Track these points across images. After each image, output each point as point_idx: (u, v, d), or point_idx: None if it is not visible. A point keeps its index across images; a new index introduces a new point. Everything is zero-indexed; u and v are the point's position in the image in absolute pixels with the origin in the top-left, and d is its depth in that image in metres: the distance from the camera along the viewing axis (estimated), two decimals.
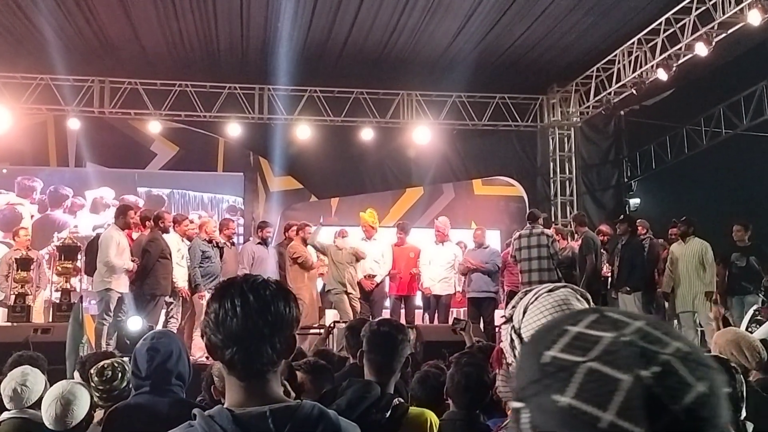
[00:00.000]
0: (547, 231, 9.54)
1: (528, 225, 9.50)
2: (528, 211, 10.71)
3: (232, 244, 10.12)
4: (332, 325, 7.43)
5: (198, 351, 8.89)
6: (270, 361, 1.54)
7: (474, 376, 3.13)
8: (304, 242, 9.76)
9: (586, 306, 1.51)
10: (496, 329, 8.86)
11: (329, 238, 10.11)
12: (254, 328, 1.52)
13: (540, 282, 7.16)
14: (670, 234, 9.81)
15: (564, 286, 1.55)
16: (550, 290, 1.55)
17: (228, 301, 1.54)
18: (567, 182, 13.86)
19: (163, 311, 9.03)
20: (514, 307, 1.57)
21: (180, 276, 9.07)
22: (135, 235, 9.00)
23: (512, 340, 1.54)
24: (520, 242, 9.33)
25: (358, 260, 9.65)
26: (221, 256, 9.52)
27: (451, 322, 6.08)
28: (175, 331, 8.44)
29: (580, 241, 9.78)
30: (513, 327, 1.54)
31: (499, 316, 10.02)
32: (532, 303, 1.53)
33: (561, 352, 0.71)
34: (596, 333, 0.71)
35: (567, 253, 9.75)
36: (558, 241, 9.63)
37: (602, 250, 9.70)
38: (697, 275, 8.83)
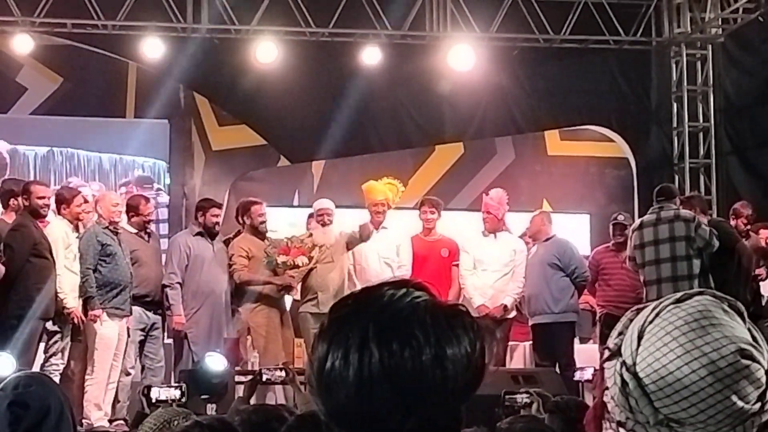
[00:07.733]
0: (684, 212, 9.32)
1: (655, 206, 9.45)
2: (656, 184, 10.48)
3: (148, 234, 10.18)
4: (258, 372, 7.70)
5: (94, 409, 9.02)
6: None
7: None
8: (257, 233, 9.90)
9: (740, 321, 1.56)
10: (576, 373, 8.91)
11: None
12: None
13: None
14: None
15: (700, 293, 1.59)
16: (679, 300, 1.58)
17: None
18: (701, 135, 13.91)
19: (42, 345, 9.05)
20: (621, 333, 1.62)
21: (69, 288, 9.07)
22: None
23: (624, 384, 1.57)
24: (641, 236, 9.28)
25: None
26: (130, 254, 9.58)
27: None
28: (58, 378, 8.51)
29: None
30: (623, 363, 1.58)
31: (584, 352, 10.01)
32: (651, 322, 1.57)
33: None
34: None
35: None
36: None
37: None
38: None
